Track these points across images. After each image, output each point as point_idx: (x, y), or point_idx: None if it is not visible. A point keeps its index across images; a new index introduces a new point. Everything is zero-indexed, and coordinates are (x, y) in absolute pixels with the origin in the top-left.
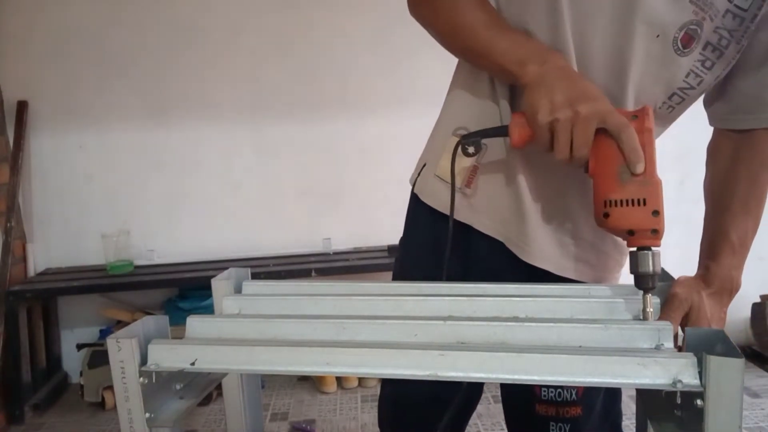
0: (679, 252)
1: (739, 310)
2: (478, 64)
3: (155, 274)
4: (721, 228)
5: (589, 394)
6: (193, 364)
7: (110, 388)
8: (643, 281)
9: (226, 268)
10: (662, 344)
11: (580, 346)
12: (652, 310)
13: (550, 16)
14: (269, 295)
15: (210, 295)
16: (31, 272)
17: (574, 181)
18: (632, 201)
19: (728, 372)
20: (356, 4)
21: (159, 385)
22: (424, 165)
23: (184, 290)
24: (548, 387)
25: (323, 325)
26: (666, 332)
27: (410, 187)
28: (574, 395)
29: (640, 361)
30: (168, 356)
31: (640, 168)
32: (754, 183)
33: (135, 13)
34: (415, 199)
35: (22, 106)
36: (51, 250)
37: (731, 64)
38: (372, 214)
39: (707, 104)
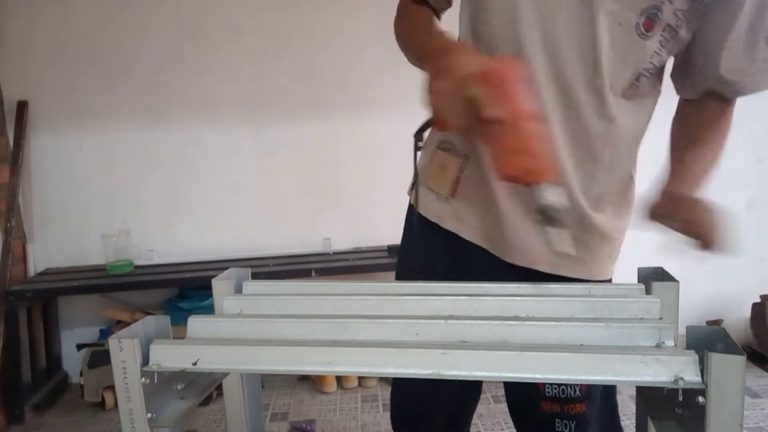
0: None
1: (739, 310)
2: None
3: (155, 274)
4: (679, 159)
5: (591, 390)
6: (195, 364)
7: (110, 388)
8: (541, 213)
9: (226, 268)
10: (663, 342)
11: (581, 345)
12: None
13: (511, 11)
14: (270, 294)
15: (210, 295)
16: (31, 272)
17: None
18: (512, 149)
19: (730, 369)
20: (356, 3)
21: (160, 385)
22: (417, 176)
23: (184, 290)
24: (552, 384)
25: (325, 325)
26: (667, 330)
27: (406, 186)
28: (578, 392)
29: (642, 359)
30: (170, 356)
31: (491, 112)
32: (709, 125)
33: (135, 13)
34: (410, 208)
35: (22, 106)
36: (51, 250)
37: (683, 42)
38: (372, 214)
39: (674, 79)
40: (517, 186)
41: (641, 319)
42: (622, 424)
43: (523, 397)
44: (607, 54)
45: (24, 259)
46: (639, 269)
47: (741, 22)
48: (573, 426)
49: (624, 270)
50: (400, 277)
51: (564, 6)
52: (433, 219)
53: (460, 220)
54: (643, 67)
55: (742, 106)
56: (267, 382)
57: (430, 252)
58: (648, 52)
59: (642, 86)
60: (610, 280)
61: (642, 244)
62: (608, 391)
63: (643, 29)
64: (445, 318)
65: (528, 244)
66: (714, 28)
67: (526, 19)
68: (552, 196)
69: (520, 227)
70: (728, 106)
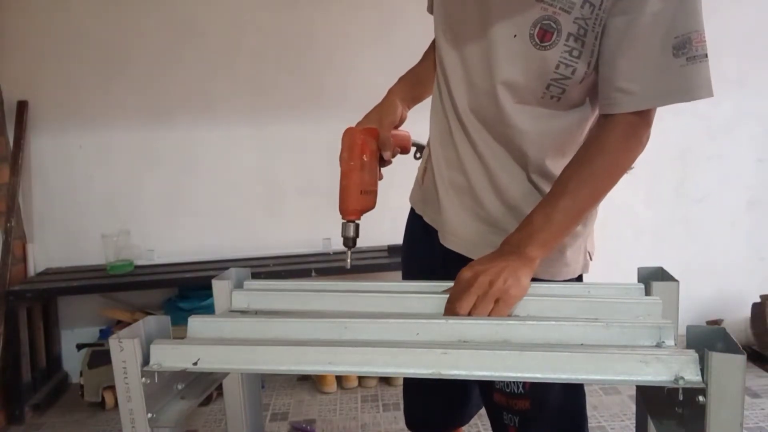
0: (678, 252)
1: (739, 310)
2: None
3: (155, 274)
4: (536, 206)
5: (536, 388)
6: (195, 363)
7: (110, 388)
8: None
9: (226, 268)
10: (663, 342)
11: (581, 344)
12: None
13: (446, 39)
14: (276, 290)
15: (210, 295)
16: (31, 272)
17: (478, 168)
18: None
19: (730, 368)
20: (357, 3)
21: (161, 385)
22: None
23: (184, 290)
24: None
25: (325, 325)
26: (667, 330)
27: (409, 188)
28: (521, 388)
29: (642, 359)
30: (170, 356)
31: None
32: (582, 164)
33: (135, 13)
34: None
35: (22, 106)
36: (51, 250)
37: (594, 51)
38: (372, 214)
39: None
40: (454, 180)
41: (642, 318)
42: (622, 423)
43: (483, 386)
44: (504, 65)
45: (24, 259)
46: (639, 269)
47: (640, 28)
48: (517, 421)
49: (624, 270)
50: (402, 267)
51: (468, 22)
52: (411, 204)
53: (424, 204)
54: (550, 78)
55: (742, 106)
56: (267, 382)
57: (415, 237)
58: (551, 62)
59: (563, 98)
60: (579, 279)
61: (642, 244)
62: (569, 399)
63: (537, 40)
64: (446, 317)
65: (459, 228)
66: (613, 35)
67: (445, 42)
68: (347, 231)
69: (453, 211)
70: (632, 126)
